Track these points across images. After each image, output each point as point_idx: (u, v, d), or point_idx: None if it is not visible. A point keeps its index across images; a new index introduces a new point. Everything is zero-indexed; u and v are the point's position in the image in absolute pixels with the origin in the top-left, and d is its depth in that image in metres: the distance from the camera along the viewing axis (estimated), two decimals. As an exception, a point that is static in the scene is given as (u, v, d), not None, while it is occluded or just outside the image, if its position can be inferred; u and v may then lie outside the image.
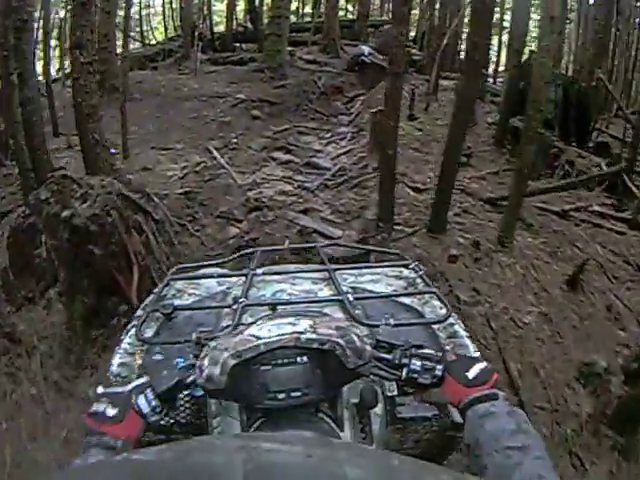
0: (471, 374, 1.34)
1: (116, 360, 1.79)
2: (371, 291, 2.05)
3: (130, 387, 1.36)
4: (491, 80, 14.26)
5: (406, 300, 1.99)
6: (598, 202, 7.51)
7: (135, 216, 4.94)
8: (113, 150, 8.43)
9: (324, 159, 8.35)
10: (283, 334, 1.31)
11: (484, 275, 5.28)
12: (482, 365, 1.37)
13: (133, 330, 1.84)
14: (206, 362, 1.29)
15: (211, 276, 2.23)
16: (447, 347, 1.78)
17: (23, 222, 4.84)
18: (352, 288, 2.02)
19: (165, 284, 2.12)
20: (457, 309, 4.74)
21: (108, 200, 4.31)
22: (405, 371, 1.41)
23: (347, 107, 11.69)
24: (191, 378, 1.39)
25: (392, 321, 1.72)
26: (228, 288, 2.11)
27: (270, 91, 11.69)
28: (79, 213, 4.09)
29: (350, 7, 22.52)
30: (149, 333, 1.85)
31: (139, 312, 1.97)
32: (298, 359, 1.32)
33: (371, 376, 1.45)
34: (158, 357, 1.71)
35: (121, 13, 20.52)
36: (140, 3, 22.18)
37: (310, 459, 0.68)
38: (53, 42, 18.26)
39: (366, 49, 13.27)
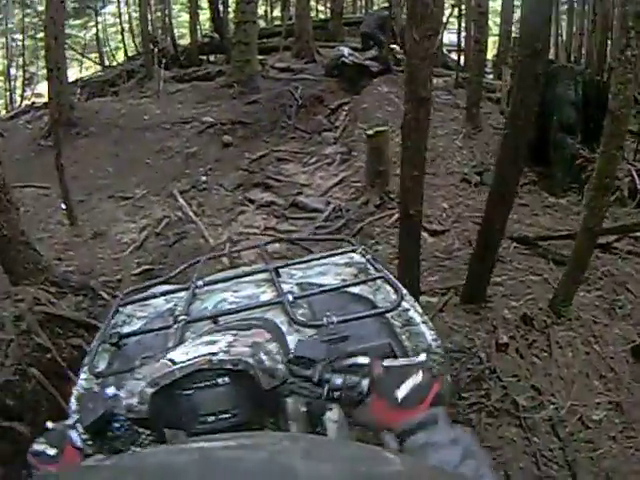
0: (402, 392, 1.15)
1: (73, 397, 1.73)
2: (318, 285, 1.93)
3: (67, 422, 1.36)
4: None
5: (355, 289, 1.86)
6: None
7: (72, 339, 3.65)
8: (63, 205, 7.14)
9: (313, 197, 6.98)
10: (197, 357, 1.28)
11: (543, 365, 4.14)
12: (416, 379, 1.17)
13: (86, 365, 1.77)
14: (123, 393, 1.36)
15: (155, 296, 2.12)
16: (403, 337, 1.71)
17: None
18: (299, 284, 1.95)
19: (114, 311, 2.02)
20: (516, 418, 3.84)
21: (24, 350, 3.00)
22: (326, 388, 1.27)
23: (331, 120, 10.30)
24: (113, 408, 1.34)
25: (334, 318, 1.62)
26: (175, 305, 2.02)
27: (241, 109, 10.34)
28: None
29: (321, 7, 21.10)
30: (102, 365, 1.78)
31: (93, 344, 1.88)
32: (219, 380, 1.28)
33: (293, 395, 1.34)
34: (112, 390, 1.46)
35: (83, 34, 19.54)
36: (97, 24, 20.74)
37: (260, 452, 0.68)
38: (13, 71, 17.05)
39: (346, 50, 11.91)
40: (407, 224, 4.04)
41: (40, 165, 8.46)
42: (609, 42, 10.84)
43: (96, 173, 8.50)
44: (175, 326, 1.75)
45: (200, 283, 2.06)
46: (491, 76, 12.67)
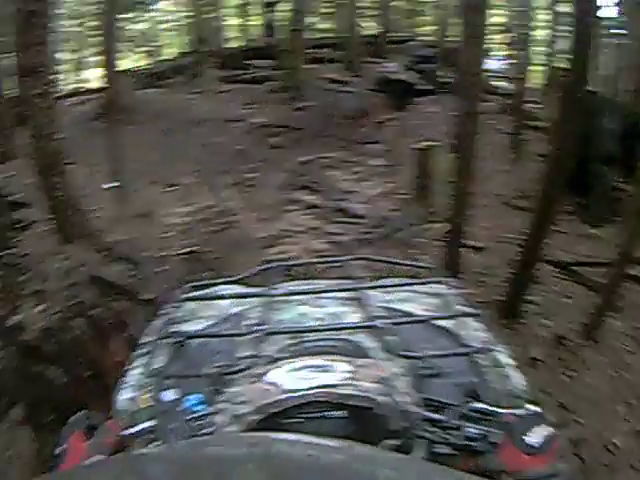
0: (532, 440, 1.19)
1: (121, 395, 1.53)
2: (404, 312, 1.84)
3: (133, 431, 1.27)
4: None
5: (442, 322, 1.77)
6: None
7: (115, 304, 3.76)
8: (107, 185, 7.29)
9: (357, 204, 7.09)
10: (315, 387, 1.20)
11: (572, 384, 4.22)
12: (545, 430, 1.21)
13: (140, 360, 1.63)
14: (223, 418, 1.20)
15: (223, 296, 2.00)
16: (489, 377, 1.56)
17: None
18: (382, 309, 1.82)
19: (176, 305, 1.92)
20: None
21: (71, 301, 3.11)
22: (459, 436, 1.24)
23: (375, 133, 10.44)
24: (205, 431, 1.22)
25: (431, 352, 1.52)
26: (245, 309, 1.90)
27: (289, 114, 10.54)
28: (30, 323, 2.87)
29: (371, 22, 21.34)
30: (159, 363, 1.61)
31: (146, 338, 1.77)
32: (332, 413, 1.20)
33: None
34: (171, 394, 1.46)
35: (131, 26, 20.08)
36: (148, 19, 21.26)
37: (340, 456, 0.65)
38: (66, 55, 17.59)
39: (393, 66, 12.07)
40: (452, 231, 4.15)
41: (85, 147, 8.66)
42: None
43: (142, 159, 8.65)
44: (254, 335, 1.63)
45: (278, 292, 1.94)
46: (540, 105, 12.64)
